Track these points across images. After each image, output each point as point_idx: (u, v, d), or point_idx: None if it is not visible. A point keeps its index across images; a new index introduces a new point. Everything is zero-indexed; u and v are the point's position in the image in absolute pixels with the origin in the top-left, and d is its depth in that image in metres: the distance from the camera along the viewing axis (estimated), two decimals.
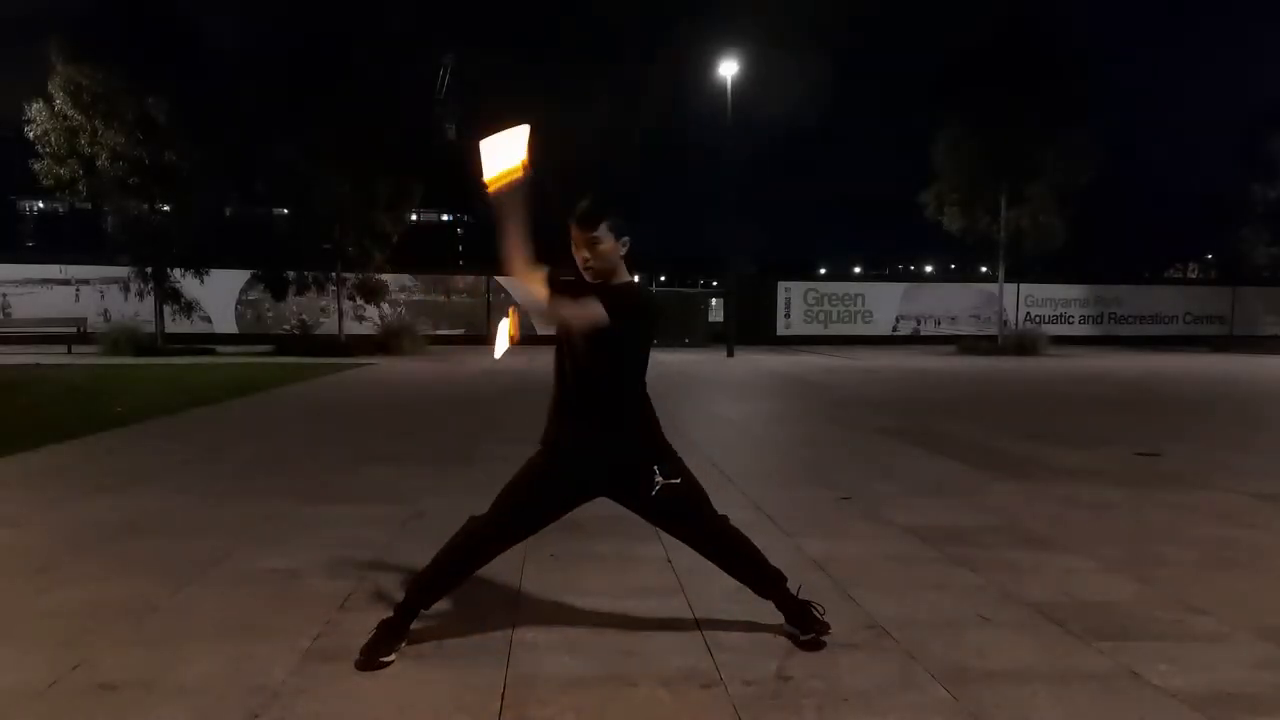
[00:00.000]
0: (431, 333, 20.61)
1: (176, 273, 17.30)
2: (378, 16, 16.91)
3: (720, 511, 2.58)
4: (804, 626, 2.50)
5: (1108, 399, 10.38)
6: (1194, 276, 45.18)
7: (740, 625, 2.64)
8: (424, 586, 2.44)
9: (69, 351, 16.84)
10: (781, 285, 24.91)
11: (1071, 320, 25.74)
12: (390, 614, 2.42)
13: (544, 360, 2.43)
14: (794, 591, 2.56)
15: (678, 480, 2.42)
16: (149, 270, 16.83)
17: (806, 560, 3.36)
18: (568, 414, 2.43)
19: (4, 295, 20.39)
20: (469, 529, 2.44)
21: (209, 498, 4.42)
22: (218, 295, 20.55)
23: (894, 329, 25.11)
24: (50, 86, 15.19)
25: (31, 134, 15.34)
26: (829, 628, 2.50)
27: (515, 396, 9.62)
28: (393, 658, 2.35)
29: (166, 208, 16.74)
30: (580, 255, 2.35)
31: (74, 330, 18.18)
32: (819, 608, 2.53)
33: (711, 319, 24.03)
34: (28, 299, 20.41)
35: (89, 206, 16.46)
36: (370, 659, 2.31)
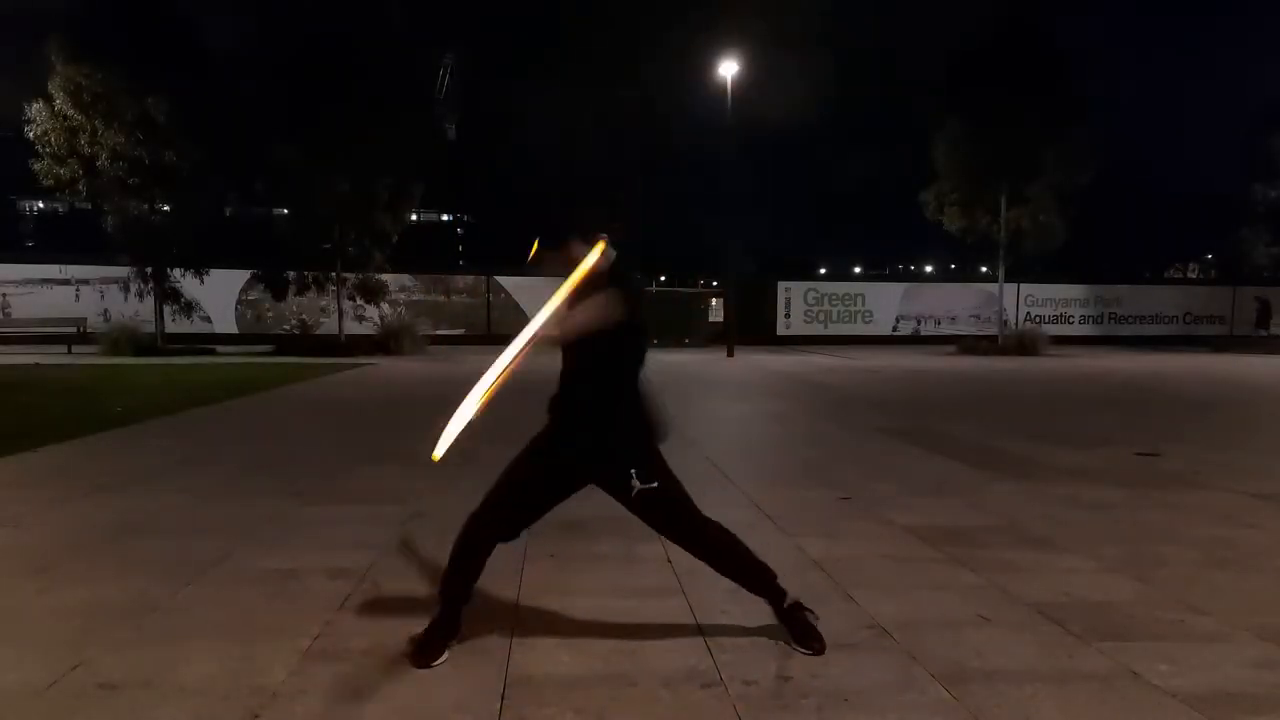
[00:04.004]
0: (431, 333, 20.61)
1: (176, 273, 17.29)
2: (378, 16, 16.90)
3: (721, 511, 2.58)
4: (798, 637, 2.48)
5: (1108, 399, 10.38)
6: (1194, 276, 45.20)
7: (740, 625, 2.64)
8: (449, 583, 2.44)
9: (69, 351, 16.84)
10: (781, 285, 24.90)
11: (1071, 320, 25.74)
12: (436, 614, 2.43)
13: (544, 360, 2.44)
14: (790, 600, 2.52)
15: (654, 485, 2.41)
16: (149, 270, 16.83)
17: (806, 560, 3.36)
18: (560, 399, 2.47)
19: (4, 295, 20.39)
20: (471, 514, 2.46)
21: (209, 498, 4.41)
22: (218, 295, 20.54)
23: (894, 329, 25.10)
24: (50, 86, 15.18)
25: (31, 134, 15.34)
26: (823, 644, 2.45)
27: (516, 396, 9.60)
28: (446, 655, 2.37)
29: (166, 208, 16.73)
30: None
31: (74, 330, 18.17)
32: (812, 613, 2.51)
33: (711, 319, 24.04)
34: (28, 299, 20.40)
35: (89, 206, 16.45)
36: (423, 658, 2.34)
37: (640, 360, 2.47)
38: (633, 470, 2.40)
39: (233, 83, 16.54)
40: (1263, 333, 24.20)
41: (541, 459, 2.47)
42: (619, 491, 2.43)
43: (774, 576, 2.54)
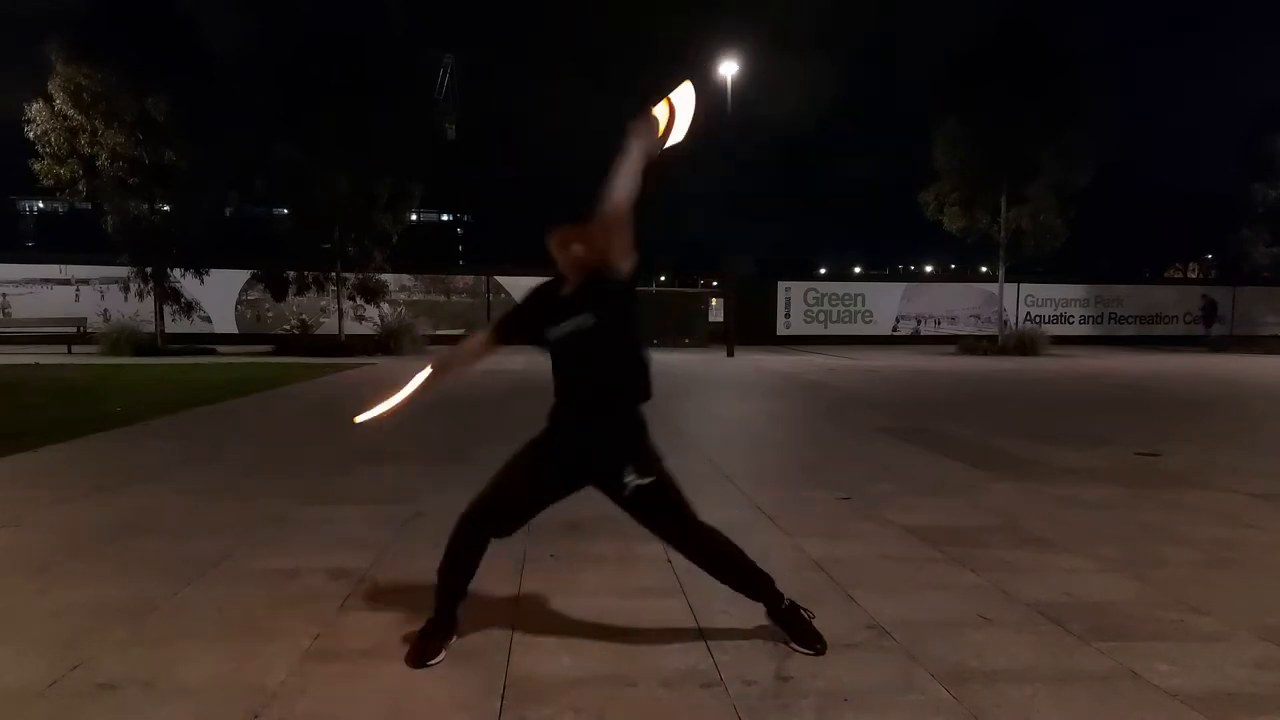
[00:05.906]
0: (431, 332, 20.62)
1: (176, 273, 17.30)
2: (378, 16, 16.91)
3: (721, 511, 2.56)
4: (798, 638, 2.46)
5: (1107, 399, 10.38)
6: (1194, 276, 45.22)
7: (740, 626, 2.64)
8: (444, 580, 2.43)
9: (69, 351, 16.85)
10: (781, 285, 24.92)
11: (1071, 320, 25.75)
12: (433, 614, 2.43)
13: (544, 361, 2.43)
14: (787, 602, 2.51)
15: (649, 480, 2.36)
16: (149, 270, 16.84)
17: (806, 560, 3.36)
18: (565, 398, 2.43)
19: (4, 295, 20.40)
20: (463, 513, 2.43)
21: (209, 498, 4.41)
22: (218, 295, 20.56)
23: (894, 329, 25.11)
24: (50, 86, 15.19)
25: (31, 134, 15.34)
26: (824, 645, 2.45)
27: (515, 397, 9.61)
28: (443, 655, 2.36)
29: (166, 208, 16.74)
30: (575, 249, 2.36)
31: (74, 330, 18.19)
32: (808, 612, 2.51)
33: (711, 319, 24.04)
34: (28, 299, 20.42)
35: (89, 206, 16.46)
36: (420, 657, 2.34)
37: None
38: (629, 465, 2.34)
39: (233, 82, 16.54)
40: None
41: (539, 461, 2.43)
42: (615, 489, 2.38)
43: (771, 582, 2.52)
